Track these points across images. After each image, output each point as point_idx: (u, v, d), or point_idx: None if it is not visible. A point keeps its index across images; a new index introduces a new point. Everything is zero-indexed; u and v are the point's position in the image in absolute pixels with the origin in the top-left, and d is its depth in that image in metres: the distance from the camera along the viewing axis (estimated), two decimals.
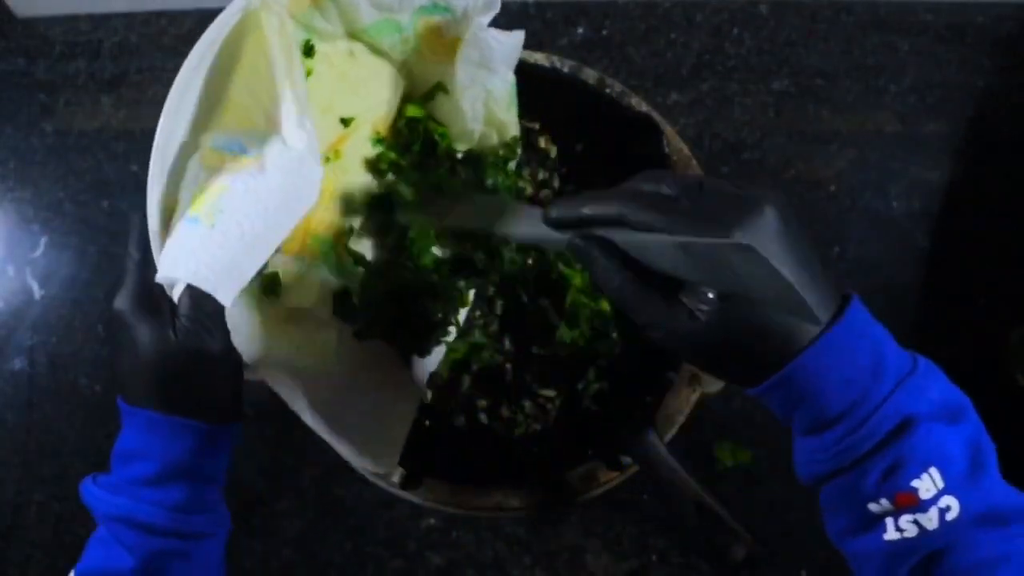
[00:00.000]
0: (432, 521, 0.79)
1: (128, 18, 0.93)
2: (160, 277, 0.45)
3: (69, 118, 0.91)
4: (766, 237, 0.35)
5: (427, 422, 0.71)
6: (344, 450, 0.54)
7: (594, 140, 0.73)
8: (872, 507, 0.38)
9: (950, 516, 0.36)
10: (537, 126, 0.74)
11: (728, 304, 0.38)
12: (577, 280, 0.69)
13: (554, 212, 0.41)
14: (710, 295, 0.38)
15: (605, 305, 0.68)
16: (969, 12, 0.90)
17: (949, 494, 0.36)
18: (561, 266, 0.69)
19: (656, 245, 0.37)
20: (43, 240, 0.89)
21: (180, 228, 0.45)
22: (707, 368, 0.41)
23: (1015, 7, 0.90)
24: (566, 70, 0.71)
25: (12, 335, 0.86)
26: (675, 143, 0.70)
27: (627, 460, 0.64)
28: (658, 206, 0.37)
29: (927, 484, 0.36)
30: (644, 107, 0.70)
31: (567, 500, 0.64)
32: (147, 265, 0.47)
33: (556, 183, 0.74)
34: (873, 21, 0.90)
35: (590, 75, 0.71)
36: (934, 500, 0.36)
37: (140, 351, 0.46)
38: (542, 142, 0.75)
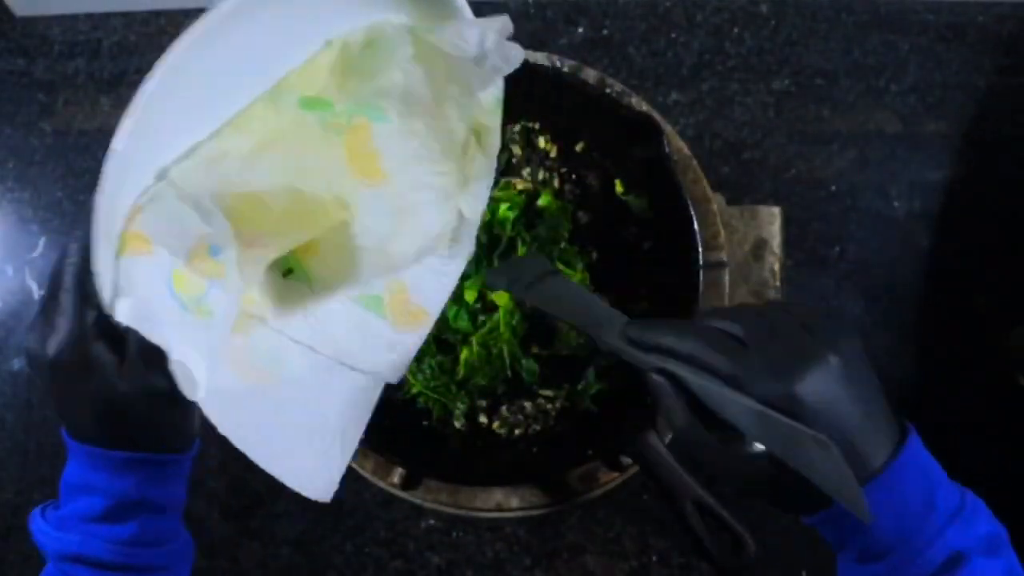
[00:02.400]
0: (432, 521, 0.79)
1: (128, 18, 0.93)
2: (121, 317, 0.40)
3: (68, 118, 0.91)
4: (829, 387, 0.38)
5: (426, 422, 0.71)
6: (279, 472, 0.50)
7: (594, 140, 0.73)
8: None
9: None
10: (537, 126, 0.74)
11: None
12: (577, 280, 0.69)
13: (634, 333, 0.44)
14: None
15: None
16: (969, 12, 0.90)
17: None
18: (560, 267, 0.69)
19: (731, 402, 0.38)
20: (42, 240, 0.89)
21: (159, 291, 0.43)
22: (759, 499, 0.43)
23: (1015, 7, 0.89)
24: (566, 70, 0.71)
25: (12, 335, 0.86)
26: (675, 143, 0.70)
27: (627, 460, 0.63)
28: (728, 352, 0.39)
29: None
30: (644, 107, 0.70)
31: (567, 500, 0.64)
32: (86, 304, 0.43)
33: (556, 183, 0.74)
34: (873, 21, 0.90)
35: (590, 75, 0.71)
36: None
37: (81, 396, 0.43)
38: (542, 142, 0.75)
